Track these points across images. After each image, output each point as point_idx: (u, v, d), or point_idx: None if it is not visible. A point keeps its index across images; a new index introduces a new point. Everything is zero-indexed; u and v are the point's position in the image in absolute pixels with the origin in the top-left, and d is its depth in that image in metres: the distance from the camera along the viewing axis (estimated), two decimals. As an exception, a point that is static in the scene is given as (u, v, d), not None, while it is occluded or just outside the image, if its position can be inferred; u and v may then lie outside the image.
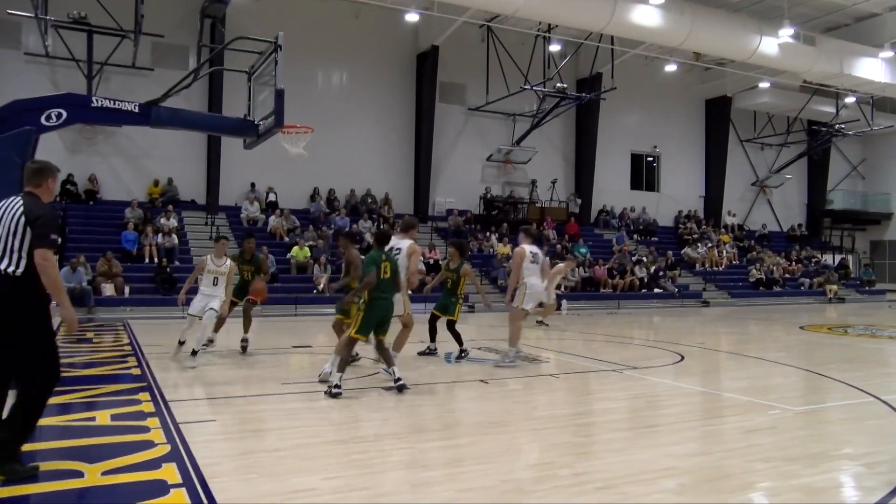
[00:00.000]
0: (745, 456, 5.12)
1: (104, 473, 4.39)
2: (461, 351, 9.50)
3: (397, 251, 7.98)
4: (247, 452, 5.01)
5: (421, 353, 9.88)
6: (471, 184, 25.31)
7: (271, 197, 21.58)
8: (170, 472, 4.43)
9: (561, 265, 15.75)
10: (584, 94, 24.84)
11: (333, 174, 22.48)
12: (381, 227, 19.22)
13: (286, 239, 19.87)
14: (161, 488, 4.15)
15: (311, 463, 4.80)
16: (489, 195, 25.29)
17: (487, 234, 23.26)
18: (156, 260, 17.48)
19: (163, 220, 18.68)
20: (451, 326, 9.79)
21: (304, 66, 21.81)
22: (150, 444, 5.06)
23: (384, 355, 7.37)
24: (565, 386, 8.01)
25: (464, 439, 5.57)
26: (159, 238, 17.98)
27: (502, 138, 25.79)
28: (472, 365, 9.25)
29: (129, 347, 10.35)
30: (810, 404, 7.26)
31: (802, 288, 26.59)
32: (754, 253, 27.78)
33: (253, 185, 21.33)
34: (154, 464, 4.61)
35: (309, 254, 18.88)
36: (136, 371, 8.24)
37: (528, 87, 22.76)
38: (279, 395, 7.10)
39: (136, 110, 8.09)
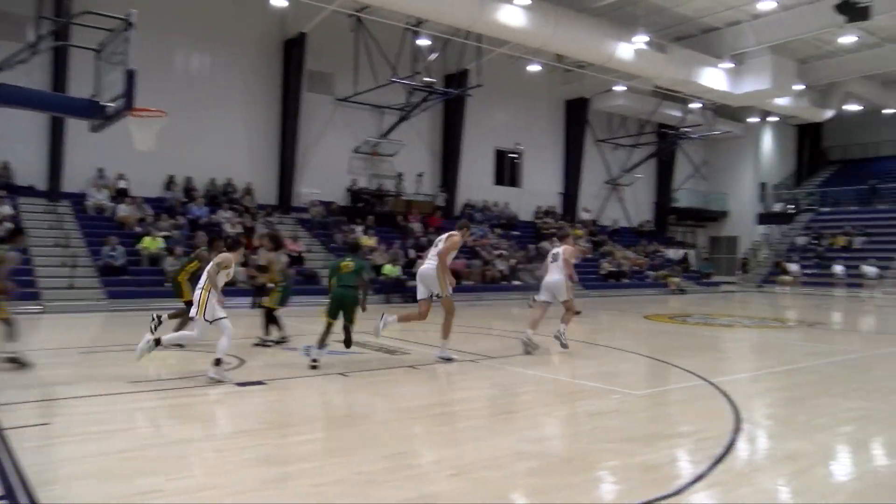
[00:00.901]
0: (590, 438, 5.42)
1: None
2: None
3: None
4: (84, 456, 4.69)
5: (256, 345, 9.81)
6: (337, 175, 24.99)
7: (122, 184, 20.26)
8: (-11, 484, 4.07)
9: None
10: (451, 90, 25.18)
11: (191, 161, 21.44)
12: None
13: (138, 229, 18.73)
14: (-20, 500, 3.81)
15: (157, 464, 4.57)
16: (355, 187, 25.10)
17: (352, 225, 23.08)
18: (-13, 250, 15.95)
19: (-5, 207, 17.08)
20: (268, 314, 9.92)
21: (162, 47, 20.65)
22: (-33, 454, 4.62)
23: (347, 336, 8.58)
24: (424, 377, 8.10)
25: (320, 433, 5.52)
26: (-8, 227, 16.40)
27: (370, 130, 25.67)
28: (331, 358, 9.15)
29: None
30: (650, 388, 7.78)
31: (648, 280, 28.41)
32: (606, 247, 29.35)
33: (101, 170, 19.93)
34: (-30, 475, 4.22)
35: (162, 244, 17.91)
36: None
37: (397, 79, 22.76)
38: (125, 394, 6.70)
39: (-38, 85, 7.32)
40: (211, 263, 7.53)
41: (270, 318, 10.10)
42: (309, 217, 22.94)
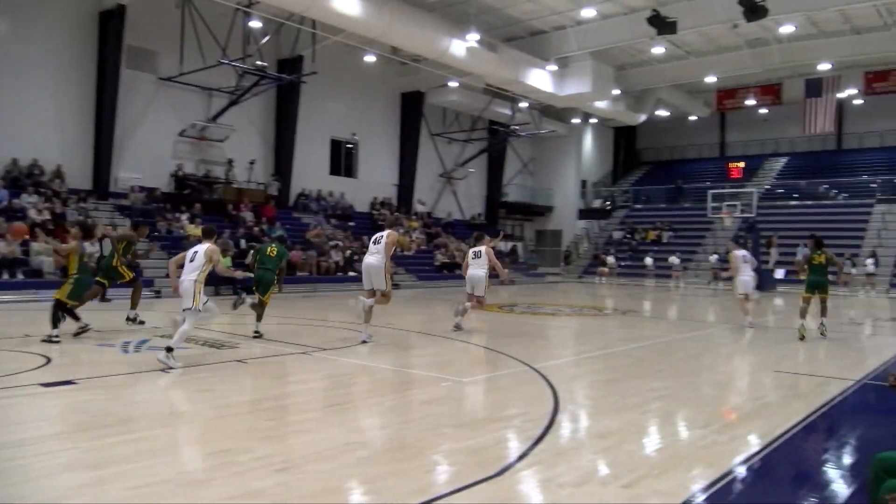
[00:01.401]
0: (420, 425, 5.55)
1: None
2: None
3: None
4: None
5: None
6: (161, 159, 23.51)
7: None
8: None
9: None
10: (284, 76, 24.53)
11: (-11, 138, 19.31)
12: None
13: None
14: None
15: (-56, 476, 4.10)
16: (181, 173, 23.77)
17: (178, 214, 21.87)
18: None
19: None
20: (60, 306, 9.41)
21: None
22: None
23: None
24: (254, 371, 7.88)
25: (139, 433, 5.19)
26: None
27: (197, 113, 24.38)
28: (154, 354, 8.65)
29: None
30: (477, 375, 8.08)
31: (481, 271, 29.42)
32: (440, 239, 30.05)
33: None
34: None
35: (-46, 230, 16.00)
36: None
37: (226, 61, 21.79)
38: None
39: None
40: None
41: (64, 310, 9.39)
42: (129, 203, 21.42)
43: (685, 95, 36.87)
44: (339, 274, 23.25)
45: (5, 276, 15.99)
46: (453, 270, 27.83)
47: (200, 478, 4.18)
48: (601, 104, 32.50)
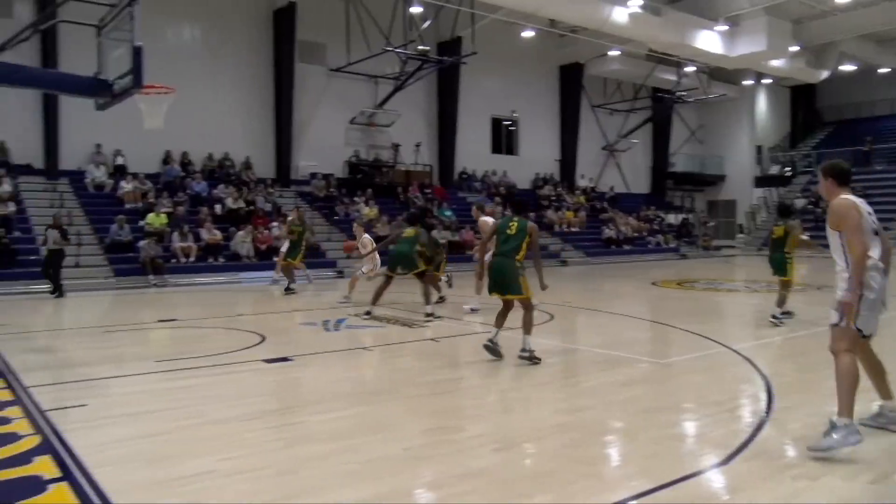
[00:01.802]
0: (626, 408, 5.46)
1: (-33, 473, 3.97)
2: None
3: None
4: (129, 438, 4.69)
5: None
6: (334, 147, 24.79)
7: (119, 160, 20.06)
8: (45, 466, 4.08)
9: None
10: (445, 58, 24.91)
11: (187, 136, 21.14)
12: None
13: (140, 205, 18.60)
14: (37, 485, 3.81)
15: (201, 444, 4.58)
16: (355, 158, 24.92)
17: (354, 198, 22.97)
18: (-11, 231, 15.79)
19: (-6, 186, 16.89)
20: None
21: (153, 21, 20.26)
22: (14, 437, 4.63)
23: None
24: (447, 350, 8.13)
25: (355, 409, 5.51)
26: (-14, 206, 16.24)
27: (365, 101, 25.41)
28: (351, 332, 9.18)
29: (-32, 329, 9.35)
30: (674, 356, 7.83)
31: (650, 246, 28.52)
32: (606, 214, 29.39)
33: (99, 146, 19.72)
34: (23, 458, 4.23)
35: (166, 221, 17.80)
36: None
37: (390, 48, 22.48)
38: (154, 373, 6.70)
39: (-35, 66, 7.17)
40: None
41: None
42: (310, 190, 22.81)
43: (874, 46, 33.22)
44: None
45: (210, 260, 17.58)
46: (621, 245, 27.16)
47: (426, 454, 4.37)
48: (777, 62, 30.09)
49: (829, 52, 32.32)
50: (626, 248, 27.34)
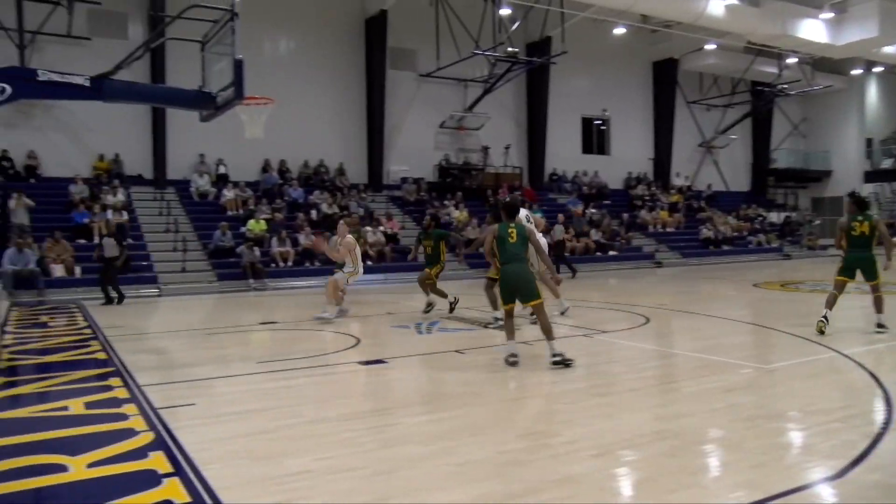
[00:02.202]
0: (728, 416, 5.24)
1: (90, 466, 4.23)
2: None
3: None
4: (233, 436, 4.89)
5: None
6: (424, 151, 25.10)
7: (221, 169, 21.01)
8: (159, 462, 4.30)
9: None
10: (534, 59, 24.75)
11: (284, 144, 21.90)
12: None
13: (240, 212, 19.41)
14: (153, 479, 4.02)
15: (300, 444, 4.71)
16: (445, 162, 25.15)
17: (444, 201, 23.16)
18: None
19: (110, 197, 18.01)
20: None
21: (249, 33, 20.99)
22: (131, 433, 4.90)
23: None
24: (540, 353, 8.04)
25: (449, 412, 5.54)
26: (109, 215, 17.34)
27: (454, 104, 25.59)
28: (444, 335, 9.24)
29: (88, 331, 10.00)
30: (779, 361, 7.46)
31: (750, 246, 27.37)
32: (704, 213, 28.41)
33: (202, 156, 20.72)
34: (140, 453, 4.47)
35: (265, 227, 18.50)
36: (102, 355, 7.97)
37: (479, 52, 22.54)
38: (256, 374, 6.96)
39: (87, 84, 7.65)
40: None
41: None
42: (400, 195, 23.17)
43: None
44: (598, 254, 22.99)
45: (306, 264, 18.13)
46: (720, 246, 26.19)
47: (521, 458, 4.33)
48: (890, 49, 28.27)
49: (949, 35, 30.07)
50: (725, 248, 26.33)
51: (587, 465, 4.24)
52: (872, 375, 6.34)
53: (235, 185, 20.29)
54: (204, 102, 8.39)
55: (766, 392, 6.00)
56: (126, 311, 12.86)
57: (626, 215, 25.95)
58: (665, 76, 30.69)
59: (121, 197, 18.16)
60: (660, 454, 4.41)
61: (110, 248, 13.85)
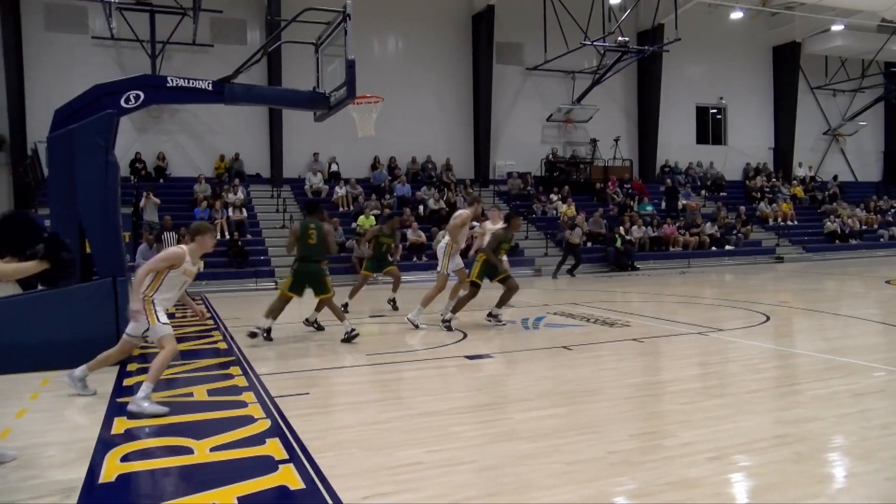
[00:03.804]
0: (860, 422, 4.90)
1: (212, 450, 4.46)
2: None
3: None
4: (345, 426, 5.03)
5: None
6: (531, 145, 24.91)
7: (333, 167, 21.69)
8: (275, 448, 4.48)
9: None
10: (646, 48, 24.00)
11: (393, 142, 22.34)
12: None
13: (351, 208, 19.97)
14: (269, 464, 4.20)
15: (411, 436, 4.78)
16: (552, 156, 24.86)
17: (550, 196, 22.90)
18: (227, 234, 17.77)
19: (231, 195, 18.97)
20: None
21: (360, 33, 21.52)
22: (250, 419, 5.13)
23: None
24: (652, 351, 7.82)
25: (558, 409, 5.46)
26: (229, 212, 18.28)
27: (562, 97, 25.22)
28: (550, 331, 9.15)
29: (210, 322, 10.56)
30: (917, 364, 6.90)
31: (882, 240, 25.47)
32: (830, 205, 26.69)
33: (316, 155, 21.47)
34: (258, 439, 4.67)
35: (374, 222, 18.93)
36: (223, 345, 8.40)
37: (588, 42, 22.08)
38: (365, 366, 7.14)
39: (210, 88, 8.10)
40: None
41: None
42: (506, 189, 23.12)
43: None
44: (714, 248, 22.06)
45: (414, 259, 18.42)
46: (846, 240, 24.52)
47: (633, 459, 4.21)
48: None
49: None
50: (853, 242, 24.61)
51: (703, 468, 4.07)
52: None
53: (346, 182, 20.87)
54: (318, 103, 8.67)
55: (904, 397, 5.56)
56: (245, 302, 13.49)
57: (742, 208, 24.74)
58: (786, 61, 28.95)
59: (240, 195, 19.07)
60: (782, 460, 4.17)
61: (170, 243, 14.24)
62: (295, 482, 3.92)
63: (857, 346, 7.90)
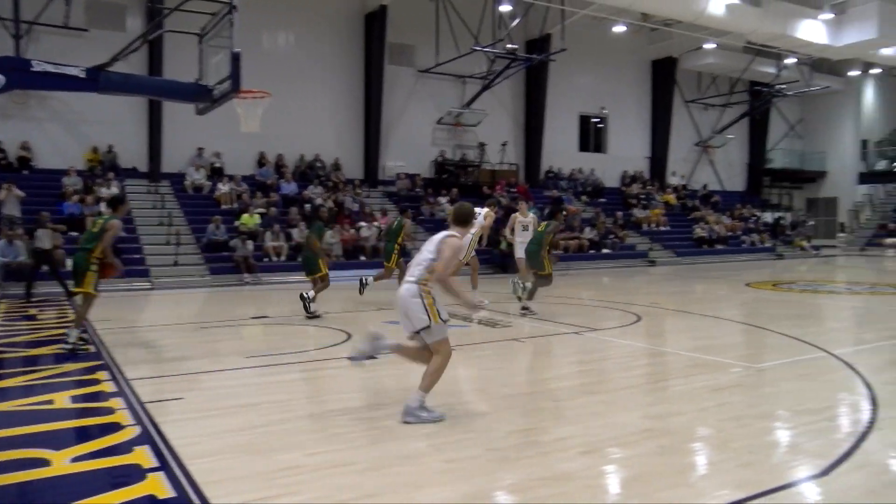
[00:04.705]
0: (717, 415, 5.24)
1: (73, 460, 4.20)
2: None
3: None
4: (222, 431, 4.85)
5: None
6: (421, 147, 25.03)
7: (217, 163, 20.92)
8: (142, 456, 4.27)
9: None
10: (534, 56, 24.69)
11: (281, 139, 21.80)
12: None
13: (234, 205, 19.34)
14: (135, 473, 4.00)
15: (290, 439, 4.70)
16: (441, 158, 25.09)
17: (438, 197, 23.11)
18: (98, 231, 16.74)
19: (104, 190, 17.92)
20: None
21: (247, 27, 20.91)
22: (116, 427, 4.88)
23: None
24: (531, 350, 8.05)
25: (439, 409, 5.51)
26: (102, 207, 17.25)
27: (452, 101, 25.51)
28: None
29: (78, 323, 9.94)
30: (769, 361, 7.46)
31: (744, 245, 27.41)
32: (698, 212, 28.44)
33: (201, 150, 20.64)
34: (124, 447, 4.45)
35: (259, 221, 18.44)
36: (89, 348, 7.92)
37: (479, 48, 22.48)
38: (244, 368, 6.93)
39: (83, 75, 7.60)
40: None
41: None
42: (395, 190, 23.12)
43: None
44: (592, 251, 22.98)
45: (300, 259, 18.05)
46: (713, 245, 26.21)
47: (510, 456, 4.32)
48: (888, 51, 28.27)
49: (946, 38, 30.11)
50: (719, 247, 26.36)
51: (576, 462, 4.24)
52: (860, 375, 6.34)
53: (230, 178, 20.20)
54: (200, 95, 8.36)
55: (756, 392, 6.00)
56: (115, 304, 12.80)
57: (619, 213, 25.95)
58: (663, 75, 30.66)
59: (114, 190, 18.05)
60: (649, 452, 4.41)
61: (44, 239, 13.48)
62: (163, 491, 3.75)
63: (719, 344, 8.45)
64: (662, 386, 6.37)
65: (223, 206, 19.26)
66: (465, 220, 5.44)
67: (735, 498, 3.65)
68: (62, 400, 5.62)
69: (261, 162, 21.69)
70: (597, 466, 4.20)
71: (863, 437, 4.62)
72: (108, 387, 6.04)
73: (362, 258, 18.69)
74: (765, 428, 4.92)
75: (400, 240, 12.00)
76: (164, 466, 4.10)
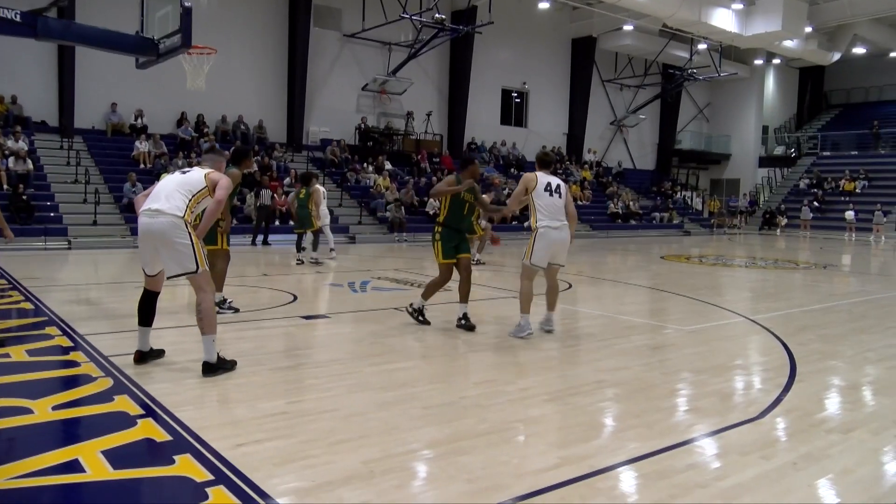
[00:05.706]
0: (660, 369, 5.73)
1: (54, 408, 4.21)
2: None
3: None
4: (196, 384, 4.89)
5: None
6: (346, 113, 24.88)
7: (138, 122, 20.11)
8: (126, 404, 4.33)
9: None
10: (460, 27, 24.86)
11: (202, 98, 21.01)
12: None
13: (151, 165, 18.70)
14: (125, 420, 4.06)
15: (268, 389, 4.82)
16: (364, 126, 24.99)
17: (365, 164, 23.09)
18: (6, 187, 15.93)
19: (11, 143, 16.96)
20: None
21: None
22: (88, 378, 4.88)
23: None
24: (483, 312, 8.37)
25: (405, 363, 5.77)
26: (10, 163, 16.37)
27: (378, 68, 25.42)
28: (380, 294, 9.43)
29: (3, 281, 9.56)
30: (698, 324, 8.09)
31: (654, 222, 28.77)
32: (613, 188, 29.59)
33: (114, 105, 19.76)
34: (104, 396, 4.47)
35: (182, 182, 17.93)
36: (27, 305, 7.69)
37: (406, 15, 22.46)
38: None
39: (18, 19, 7.24)
40: None
41: None
42: (321, 156, 22.92)
43: (888, 30, 33.25)
44: (514, 223, 23.59)
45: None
46: (628, 220, 27.39)
47: (481, 403, 4.62)
48: (790, 43, 30.10)
49: (842, 34, 32.34)
50: (632, 222, 27.58)
51: (544, 408, 4.59)
52: (777, 338, 7.02)
53: (149, 137, 19.50)
54: (146, 49, 8.13)
55: (690, 350, 6.55)
56: (36, 262, 12.30)
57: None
58: (583, 54, 31.52)
59: (22, 144, 17.12)
60: (605, 399, 4.82)
61: None
62: (159, 435, 3.84)
63: (648, 309, 9.07)
64: (607, 344, 6.83)
65: (142, 166, 18.61)
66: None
67: (691, 436, 4.10)
68: (19, 353, 5.51)
69: (180, 121, 21.01)
70: (563, 411, 4.57)
71: (787, 388, 5.19)
72: (64, 341, 5.96)
73: (290, 223, 18.49)
74: (704, 380, 5.43)
75: (311, 205, 12.38)
76: (151, 413, 4.18)
